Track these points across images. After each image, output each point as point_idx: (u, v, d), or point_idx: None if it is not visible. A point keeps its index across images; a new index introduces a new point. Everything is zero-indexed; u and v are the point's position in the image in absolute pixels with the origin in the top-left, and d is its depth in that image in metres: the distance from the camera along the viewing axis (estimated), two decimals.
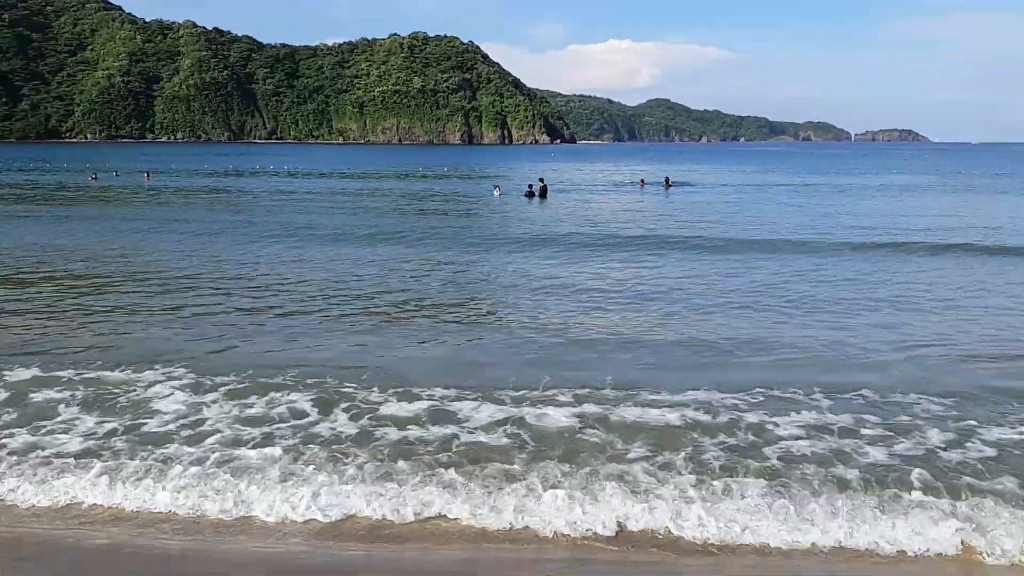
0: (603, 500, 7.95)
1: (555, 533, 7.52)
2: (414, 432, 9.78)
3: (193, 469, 8.71)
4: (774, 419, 10.19)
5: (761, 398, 11.01)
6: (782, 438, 9.60)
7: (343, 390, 11.29)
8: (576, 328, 15.27)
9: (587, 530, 7.54)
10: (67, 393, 11.18)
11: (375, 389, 11.31)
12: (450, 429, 9.87)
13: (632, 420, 10.14)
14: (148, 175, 77.51)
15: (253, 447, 9.33)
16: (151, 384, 11.58)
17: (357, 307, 17.22)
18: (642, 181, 66.99)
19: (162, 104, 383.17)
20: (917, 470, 8.67)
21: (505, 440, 9.53)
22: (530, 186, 51.97)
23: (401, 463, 8.85)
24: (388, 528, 7.68)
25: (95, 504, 8.14)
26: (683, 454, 9.09)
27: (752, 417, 10.26)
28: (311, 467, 8.75)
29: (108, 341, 14.18)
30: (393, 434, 9.71)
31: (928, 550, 7.29)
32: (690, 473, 8.60)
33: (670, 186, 62.16)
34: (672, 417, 10.22)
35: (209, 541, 7.48)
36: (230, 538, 7.54)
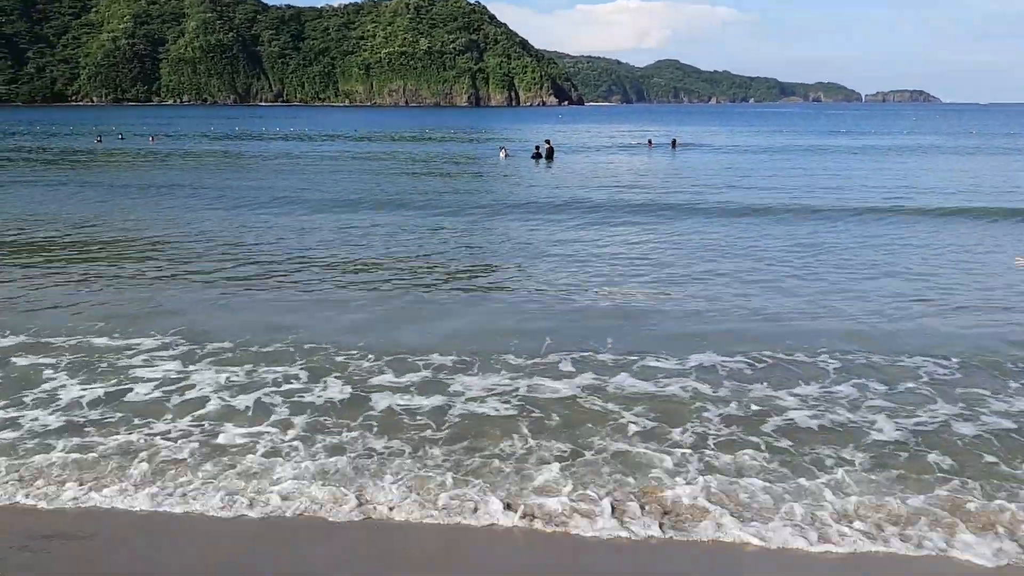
0: (599, 481, 7.69)
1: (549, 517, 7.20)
2: (406, 402, 9.52)
3: (165, 445, 8.48)
4: (780, 390, 9.93)
5: (768, 362, 10.74)
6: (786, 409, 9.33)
7: (337, 359, 11.02)
8: (580, 295, 14.97)
9: (580, 511, 7.21)
10: (53, 359, 10.94)
11: (370, 356, 11.05)
12: (445, 399, 9.58)
13: (634, 390, 9.86)
14: (153, 138, 77.27)
15: (237, 423, 9.06)
16: (141, 351, 11.35)
17: (358, 273, 16.95)
18: (649, 142, 67.21)
19: (168, 67, 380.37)
20: (934, 453, 8.38)
21: (504, 411, 9.25)
22: (537, 148, 51.49)
23: (394, 442, 8.61)
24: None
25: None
26: (685, 427, 8.79)
27: (758, 386, 9.99)
28: (291, 446, 8.51)
29: (101, 307, 13.94)
30: (384, 402, 9.47)
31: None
32: (690, 448, 8.32)
33: (677, 146, 62.12)
34: (675, 388, 9.93)
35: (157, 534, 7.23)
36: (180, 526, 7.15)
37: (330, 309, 13.85)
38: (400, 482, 7.54)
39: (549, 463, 7.91)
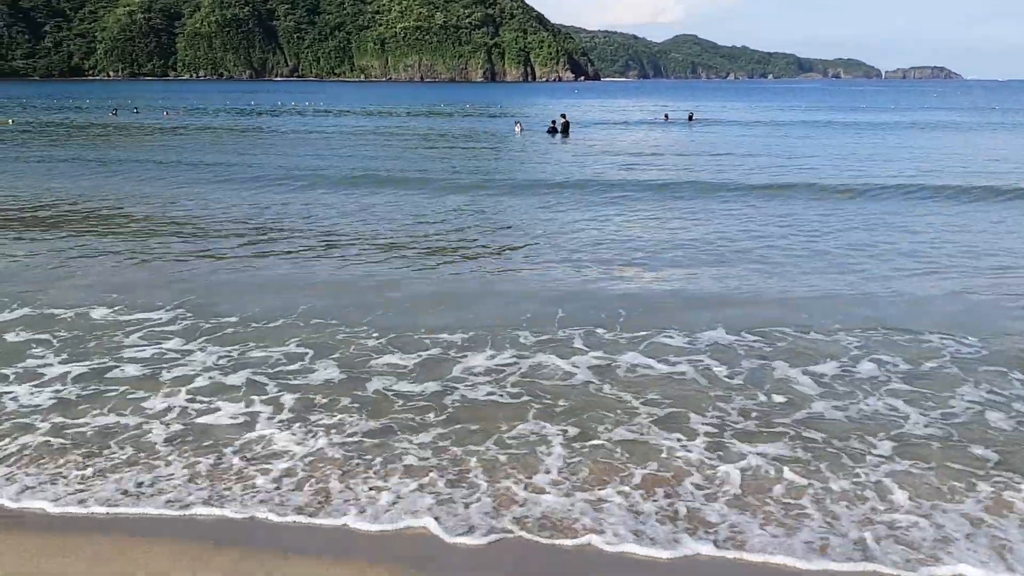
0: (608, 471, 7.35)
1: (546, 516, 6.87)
2: (405, 380, 9.23)
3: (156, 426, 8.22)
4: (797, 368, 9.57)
5: (789, 340, 10.38)
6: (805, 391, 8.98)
7: (339, 336, 10.76)
8: (594, 274, 14.64)
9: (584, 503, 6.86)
10: (47, 333, 10.72)
11: (375, 335, 10.77)
12: (448, 378, 9.29)
13: (647, 370, 9.54)
14: (167, 112, 77.16)
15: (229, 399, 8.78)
16: (138, 325, 11.12)
17: (369, 250, 16.69)
18: (666, 116, 66.90)
19: (184, 41, 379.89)
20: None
21: (508, 393, 8.93)
22: (553, 122, 50.93)
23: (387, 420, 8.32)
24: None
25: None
26: (699, 411, 8.45)
27: (776, 364, 9.64)
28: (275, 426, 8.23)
29: (106, 280, 13.72)
30: (382, 383, 9.17)
31: None
32: (704, 436, 7.98)
33: (693, 120, 62.00)
34: (687, 367, 9.58)
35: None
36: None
37: (338, 285, 13.59)
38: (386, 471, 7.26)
39: (552, 451, 7.59)
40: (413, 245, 16.98)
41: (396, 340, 10.51)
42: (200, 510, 6.55)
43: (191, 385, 9.05)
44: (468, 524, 6.28)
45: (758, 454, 7.40)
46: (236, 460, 7.33)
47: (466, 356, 9.92)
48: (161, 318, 11.50)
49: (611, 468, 7.16)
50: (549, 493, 6.75)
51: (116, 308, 11.95)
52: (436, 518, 6.35)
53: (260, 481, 6.95)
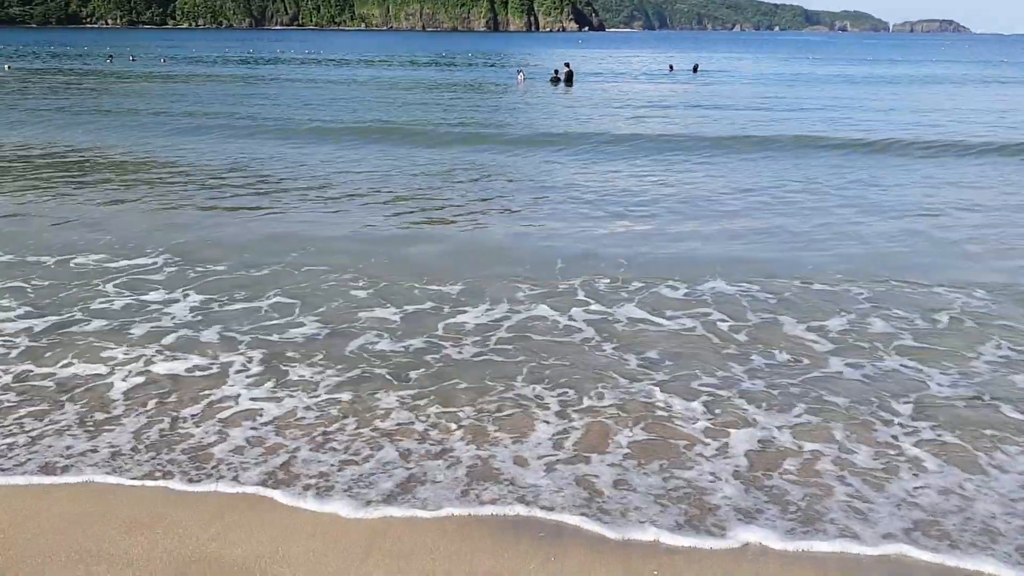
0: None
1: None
2: (390, 336, 8.82)
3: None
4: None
5: (794, 290, 9.96)
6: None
7: (328, 285, 10.35)
8: (596, 227, 14.23)
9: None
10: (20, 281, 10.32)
11: (362, 283, 10.37)
12: (434, 334, 8.87)
13: (646, 326, 9.13)
14: (164, 60, 76.17)
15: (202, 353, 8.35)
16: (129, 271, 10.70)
17: (366, 203, 16.25)
18: (671, 67, 65.85)
19: None
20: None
21: (502, 350, 8.52)
22: (556, 72, 50.01)
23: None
24: None
25: None
26: (704, 371, 8.02)
27: (783, 319, 9.23)
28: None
29: (88, 229, 13.29)
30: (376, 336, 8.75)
31: None
32: (709, 398, 7.56)
33: (698, 71, 62.01)
34: (691, 322, 9.16)
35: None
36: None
37: (333, 237, 13.17)
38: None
39: (546, 418, 7.17)
40: (410, 197, 16.48)
41: (386, 291, 10.09)
42: (142, 481, 5.91)
43: (163, 338, 8.59)
44: (441, 501, 5.68)
45: (770, 423, 6.90)
46: (197, 423, 6.90)
47: (462, 310, 9.50)
48: (148, 264, 11.08)
49: (603, 436, 6.58)
50: (535, 465, 6.12)
51: (102, 255, 11.52)
52: (406, 493, 5.74)
53: (218, 449, 6.35)
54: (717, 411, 6.97)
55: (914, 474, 5.99)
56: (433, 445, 6.38)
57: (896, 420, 6.83)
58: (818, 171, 19.35)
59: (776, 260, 11.72)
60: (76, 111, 31.92)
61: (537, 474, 5.96)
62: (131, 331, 8.73)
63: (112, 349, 8.22)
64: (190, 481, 5.88)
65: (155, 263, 11.21)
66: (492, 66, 74.24)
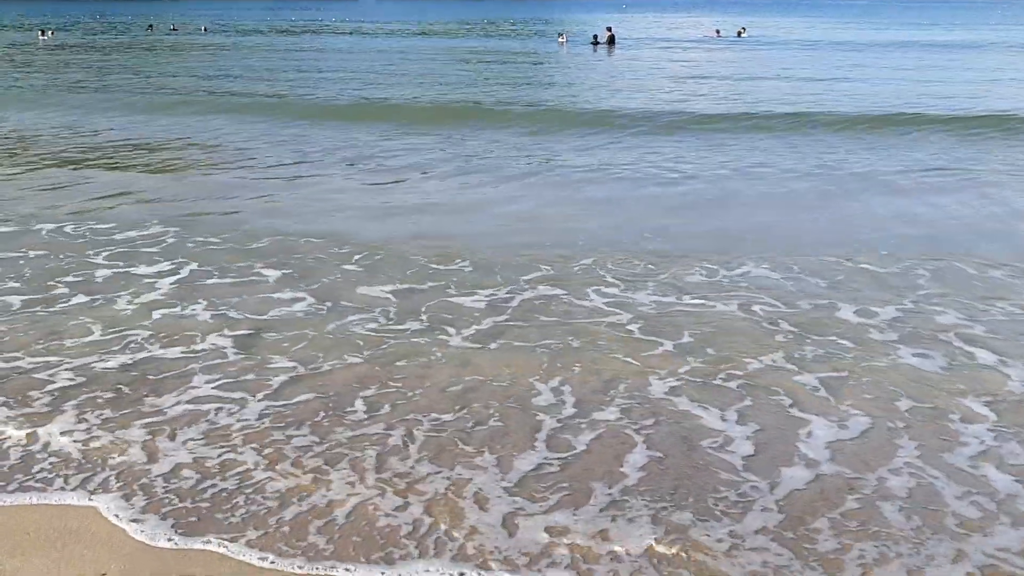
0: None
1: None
2: (388, 314, 8.21)
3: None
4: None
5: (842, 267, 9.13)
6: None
7: (323, 256, 9.79)
8: (629, 205, 13.59)
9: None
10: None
11: (377, 256, 9.81)
12: (443, 311, 8.27)
13: (685, 308, 8.42)
14: (205, 28, 76.17)
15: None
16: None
17: (389, 180, 15.56)
18: (717, 31, 64.15)
19: None
20: None
21: (516, 335, 7.88)
22: (595, 36, 49.39)
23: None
24: None
25: None
26: (747, 358, 7.25)
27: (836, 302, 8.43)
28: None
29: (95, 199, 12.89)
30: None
31: None
32: (748, 395, 6.82)
33: (742, 35, 61.71)
34: (727, 307, 8.40)
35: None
36: None
37: (352, 210, 12.69)
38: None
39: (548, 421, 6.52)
40: (436, 177, 15.60)
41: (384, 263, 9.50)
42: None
43: (148, 312, 8.17)
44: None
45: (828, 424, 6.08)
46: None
47: (472, 292, 8.87)
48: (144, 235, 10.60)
49: (618, 451, 5.72)
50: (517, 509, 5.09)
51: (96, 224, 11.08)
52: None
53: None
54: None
55: None
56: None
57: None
58: (874, 149, 18.18)
59: (824, 237, 10.93)
60: (113, 90, 31.58)
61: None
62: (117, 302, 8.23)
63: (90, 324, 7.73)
64: None
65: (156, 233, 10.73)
66: (532, 36, 71.52)
